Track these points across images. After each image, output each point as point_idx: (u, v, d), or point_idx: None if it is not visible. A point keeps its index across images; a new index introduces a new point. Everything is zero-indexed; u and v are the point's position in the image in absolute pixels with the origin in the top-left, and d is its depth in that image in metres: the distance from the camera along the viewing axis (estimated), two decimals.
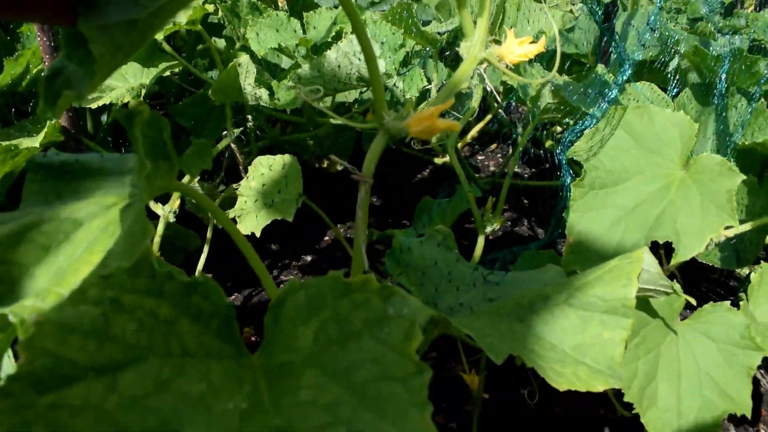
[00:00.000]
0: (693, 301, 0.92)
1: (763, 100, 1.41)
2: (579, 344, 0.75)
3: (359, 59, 1.28)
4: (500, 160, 2.59)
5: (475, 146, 2.72)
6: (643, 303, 0.97)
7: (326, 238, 2.07)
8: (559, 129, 2.09)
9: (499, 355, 0.57)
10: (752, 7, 3.72)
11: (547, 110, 1.37)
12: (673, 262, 0.91)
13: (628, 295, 0.74)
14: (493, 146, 2.67)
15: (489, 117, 2.38)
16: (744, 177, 0.92)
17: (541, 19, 1.64)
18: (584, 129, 1.03)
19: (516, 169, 2.50)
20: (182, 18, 1.28)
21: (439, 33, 1.43)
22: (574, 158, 1.02)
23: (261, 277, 0.67)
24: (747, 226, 1.02)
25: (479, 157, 2.63)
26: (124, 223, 0.51)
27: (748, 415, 0.82)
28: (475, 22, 0.79)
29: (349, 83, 1.33)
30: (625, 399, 0.82)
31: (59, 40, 1.19)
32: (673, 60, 1.67)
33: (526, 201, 2.21)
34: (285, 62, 1.71)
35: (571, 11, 2.45)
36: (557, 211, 1.09)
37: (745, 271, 1.29)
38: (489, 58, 0.84)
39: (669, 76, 1.61)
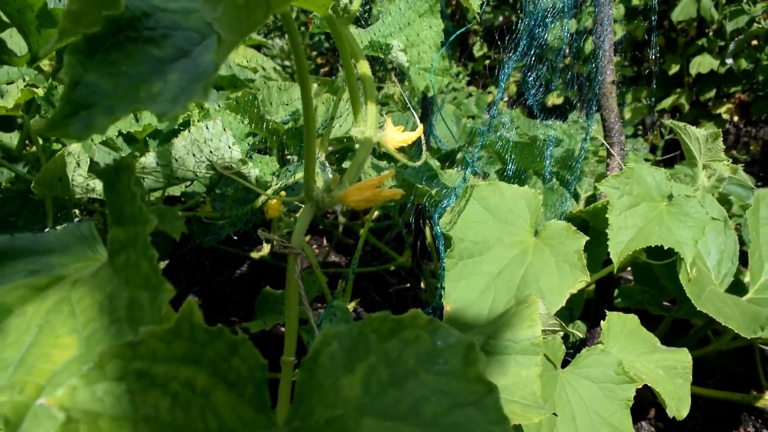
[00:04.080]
0: (580, 335, 1.03)
1: (555, 179, 1.68)
2: (504, 386, 0.80)
3: (209, 148, 1.25)
4: (316, 251, 2.64)
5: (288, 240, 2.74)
6: None
7: None
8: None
9: None
10: (506, 106, 4.47)
11: None
12: None
13: (535, 333, 0.82)
14: (307, 237, 2.72)
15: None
16: (587, 238, 1.09)
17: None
18: (446, 207, 1.14)
19: (334, 258, 2.58)
20: (10, 102, 1.15)
21: (283, 122, 1.48)
22: (443, 231, 1.12)
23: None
24: (584, 282, 1.19)
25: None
26: (103, 292, 0.44)
27: None
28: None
29: (199, 172, 1.29)
30: None
31: None
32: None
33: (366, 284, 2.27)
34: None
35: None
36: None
37: (577, 325, 1.48)
38: (382, 142, 0.90)
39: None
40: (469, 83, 6.82)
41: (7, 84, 1.52)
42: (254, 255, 2.44)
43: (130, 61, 0.44)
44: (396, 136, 0.93)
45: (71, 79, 0.41)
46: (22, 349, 0.45)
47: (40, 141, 1.45)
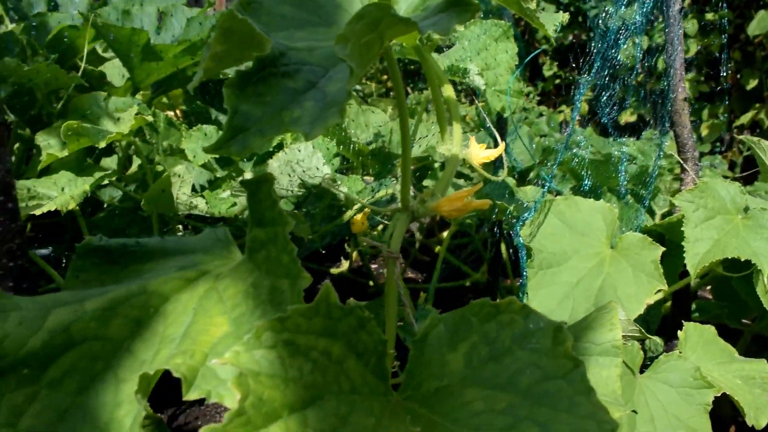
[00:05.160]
0: (660, 342, 1.07)
1: (629, 196, 1.71)
2: None
3: (302, 168, 1.37)
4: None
5: (366, 256, 2.83)
6: None
7: None
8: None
9: None
10: (578, 125, 4.48)
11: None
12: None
13: (616, 336, 0.87)
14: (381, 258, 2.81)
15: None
16: (663, 249, 1.13)
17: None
18: (525, 219, 1.21)
19: (410, 275, 2.66)
20: (125, 128, 1.29)
21: (367, 142, 1.58)
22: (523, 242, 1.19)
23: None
24: (660, 294, 1.23)
25: (373, 266, 2.75)
26: (246, 282, 0.54)
27: None
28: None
29: (291, 190, 1.40)
30: None
31: None
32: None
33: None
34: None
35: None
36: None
37: (654, 340, 1.50)
38: (467, 158, 0.98)
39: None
40: (539, 102, 6.83)
41: (116, 113, 1.69)
42: (334, 271, 2.55)
43: (272, 92, 0.53)
44: (480, 153, 1.00)
45: (231, 109, 0.51)
46: (182, 327, 0.55)
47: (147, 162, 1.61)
